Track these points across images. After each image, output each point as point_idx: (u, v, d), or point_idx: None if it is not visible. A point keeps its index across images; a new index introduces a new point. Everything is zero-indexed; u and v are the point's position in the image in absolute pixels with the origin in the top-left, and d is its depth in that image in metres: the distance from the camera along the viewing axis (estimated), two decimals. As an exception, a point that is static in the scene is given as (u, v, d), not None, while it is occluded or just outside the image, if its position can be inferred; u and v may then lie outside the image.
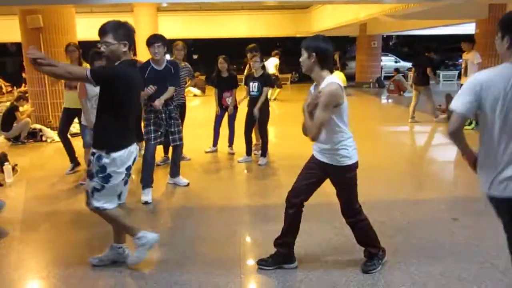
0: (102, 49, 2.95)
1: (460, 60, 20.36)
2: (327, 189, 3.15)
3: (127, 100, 2.97)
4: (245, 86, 6.22)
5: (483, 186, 2.29)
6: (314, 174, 3.05)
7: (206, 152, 6.76)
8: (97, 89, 3.00)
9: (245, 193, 5.09)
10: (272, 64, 12.35)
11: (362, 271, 3.10)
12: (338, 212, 3.15)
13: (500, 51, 2.26)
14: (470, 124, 8.31)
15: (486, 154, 2.28)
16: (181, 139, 4.93)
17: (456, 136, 2.31)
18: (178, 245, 3.62)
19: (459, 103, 2.21)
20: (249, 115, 6.10)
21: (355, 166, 2.97)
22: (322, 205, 3.98)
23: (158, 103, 4.54)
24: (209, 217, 4.32)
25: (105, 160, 2.91)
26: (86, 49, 5.05)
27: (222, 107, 6.54)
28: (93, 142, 3.05)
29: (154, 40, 4.55)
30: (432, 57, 9.95)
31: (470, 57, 8.29)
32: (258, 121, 6.13)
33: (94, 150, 2.97)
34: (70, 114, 5.68)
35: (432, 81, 9.36)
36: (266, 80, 6.03)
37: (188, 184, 5.24)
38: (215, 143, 6.81)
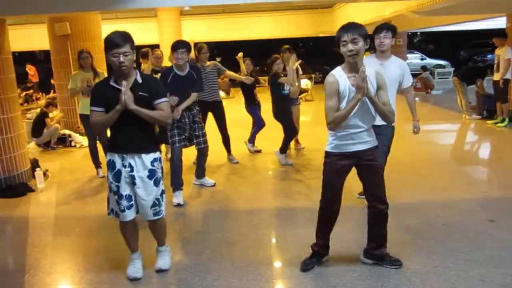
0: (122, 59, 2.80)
1: (489, 56, 19.65)
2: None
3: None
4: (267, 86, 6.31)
5: None
6: None
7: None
8: None
9: (272, 195, 5.03)
10: (303, 84, 12.58)
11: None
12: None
13: None
14: (503, 121, 8.07)
15: None
16: (205, 142, 4.92)
17: None
18: (207, 249, 3.60)
19: None
20: (289, 110, 6.10)
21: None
22: (355, 208, 3.91)
23: (177, 114, 4.54)
24: (237, 219, 4.29)
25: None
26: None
27: (255, 103, 6.71)
28: None
29: (179, 45, 4.61)
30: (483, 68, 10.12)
31: (502, 53, 8.03)
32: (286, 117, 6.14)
33: None
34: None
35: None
36: None
37: (214, 185, 5.25)
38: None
